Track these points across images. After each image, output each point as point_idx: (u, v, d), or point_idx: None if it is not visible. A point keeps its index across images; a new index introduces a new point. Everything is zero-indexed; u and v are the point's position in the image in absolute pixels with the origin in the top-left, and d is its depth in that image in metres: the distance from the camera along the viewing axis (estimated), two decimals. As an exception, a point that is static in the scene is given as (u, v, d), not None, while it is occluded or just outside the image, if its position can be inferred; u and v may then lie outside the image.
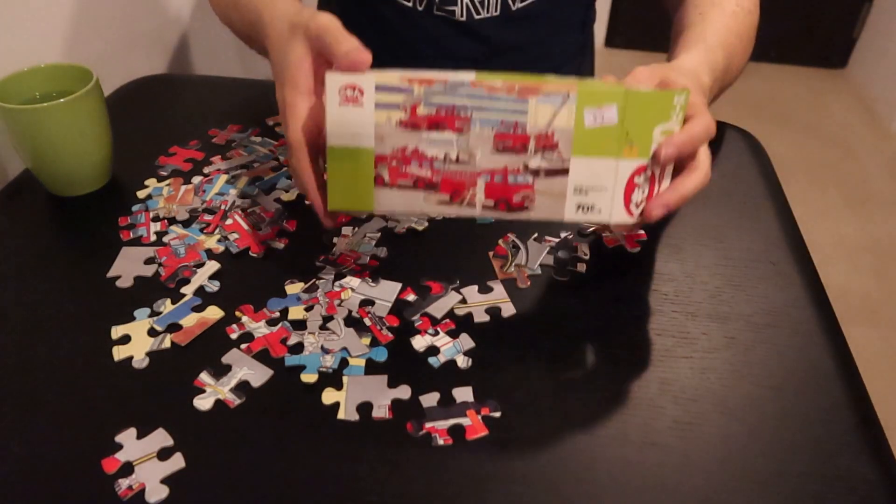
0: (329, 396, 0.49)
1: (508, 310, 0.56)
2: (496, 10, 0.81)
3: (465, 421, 0.48)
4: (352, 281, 0.58)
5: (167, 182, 0.69)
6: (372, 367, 0.51)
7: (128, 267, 0.59)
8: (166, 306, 0.56)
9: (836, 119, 2.49)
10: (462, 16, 0.81)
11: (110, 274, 0.59)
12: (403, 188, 0.49)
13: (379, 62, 0.90)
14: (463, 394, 0.49)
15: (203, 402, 0.48)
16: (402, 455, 0.46)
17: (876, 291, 1.78)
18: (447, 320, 0.55)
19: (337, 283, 0.58)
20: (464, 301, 0.57)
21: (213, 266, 0.59)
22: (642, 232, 0.63)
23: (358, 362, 0.51)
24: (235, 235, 0.63)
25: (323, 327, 0.54)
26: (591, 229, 0.64)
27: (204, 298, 0.56)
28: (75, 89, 0.63)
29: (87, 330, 0.54)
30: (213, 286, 0.58)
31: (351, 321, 0.55)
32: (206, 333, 0.54)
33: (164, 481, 0.44)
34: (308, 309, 0.55)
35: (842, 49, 2.73)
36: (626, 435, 0.47)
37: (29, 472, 0.44)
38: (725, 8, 0.69)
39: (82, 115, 0.64)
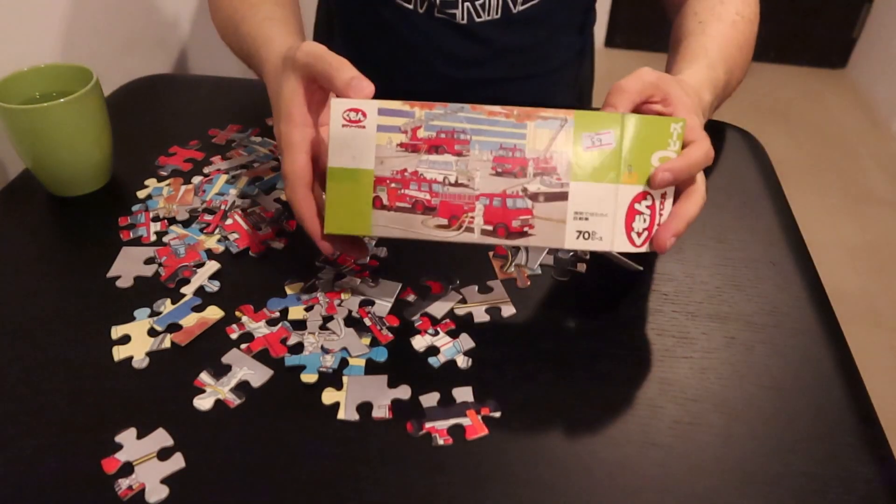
0: (329, 396, 0.49)
1: (508, 310, 0.56)
2: (497, 13, 0.81)
3: (465, 421, 0.48)
4: (352, 281, 0.58)
5: (167, 182, 0.69)
6: (372, 367, 0.51)
7: (128, 267, 0.59)
8: (166, 306, 0.56)
9: (836, 119, 2.49)
10: (463, 19, 0.81)
11: (110, 274, 0.59)
12: (401, 210, 0.49)
13: (379, 65, 0.90)
14: (463, 394, 0.49)
15: (203, 402, 0.48)
16: (402, 455, 0.46)
17: (876, 291, 1.78)
18: (447, 320, 0.55)
19: (337, 283, 0.58)
20: (464, 301, 0.57)
21: (213, 266, 0.59)
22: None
23: (358, 362, 0.51)
24: (235, 235, 0.63)
25: (323, 327, 0.54)
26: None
27: (204, 298, 0.56)
28: (75, 89, 0.63)
29: (87, 330, 0.54)
30: (213, 286, 0.58)
31: (351, 321, 0.55)
32: (206, 333, 0.54)
33: (164, 481, 0.44)
34: (308, 309, 0.55)
35: (842, 49, 2.73)
36: (626, 435, 0.47)
37: (29, 471, 0.44)
38: (725, 17, 0.68)
39: (82, 115, 0.64)
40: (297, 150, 0.51)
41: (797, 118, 2.48)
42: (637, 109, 0.51)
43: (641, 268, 0.51)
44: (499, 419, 0.48)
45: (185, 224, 0.64)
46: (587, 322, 0.56)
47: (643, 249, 0.49)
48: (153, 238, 0.63)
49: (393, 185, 0.49)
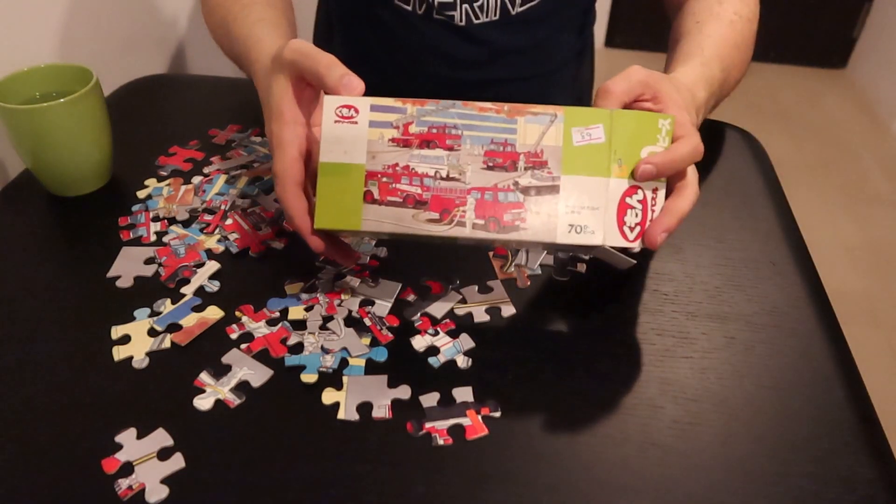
0: (329, 396, 0.49)
1: (508, 310, 0.56)
2: (495, 15, 0.81)
3: (465, 421, 0.48)
4: (352, 281, 0.58)
5: (167, 182, 0.69)
6: (372, 367, 0.51)
7: (128, 267, 0.59)
8: (166, 306, 0.56)
9: (836, 119, 2.49)
10: (461, 20, 0.81)
11: (110, 274, 0.59)
12: (392, 205, 0.49)
13: (378, 66, 0.90)
14: (463, 394, 0.49)
15: (203, 402, 0.48)
16: (402, 455, 0.46)
17: (876, 291, 1.78)
18: (447, 320, 0.55)
19: (337, 283, 0.58)
20: (464, 301, 0.57)
21: (213, 266, 0.59)
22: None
23: (358, 362, 0.51)
24: (235, 235, 0.63)
25: (323, 327, 0.54)
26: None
27: (204, 298, 0.56)
28: (75, 89, 0.63)
29: (87, 330, 0.54)
30: (213, 286, 0.58)
31: (351, 321, 0.55)
32: (206, 333, 0.54)
33: (164, 481, 0.44)
34: (308, 309, 0.55)
35: (842, 49, 2.73)
36: (626, 435, 0.47)
37: (29, 471, 0.44)
38: (723, 17, 0.68)
39: (82, 115, 0.64)
40: (287, 148, 0.51)
41: (797, 118, 2.48)
42: (628, 107, 0.52)
43: (634, 261, 0.51)
44: (499, 419, 0.48)
45: (185, 224, 0.64)
46: (587, 322, 0.56)
47: (636, 245, 0.49)
48: (153, 238, 0.63)
49: (384, 179, 0.49)
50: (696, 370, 0.52)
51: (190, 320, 0.54)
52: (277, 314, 0.55)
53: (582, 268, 0.60)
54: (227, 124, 0.78)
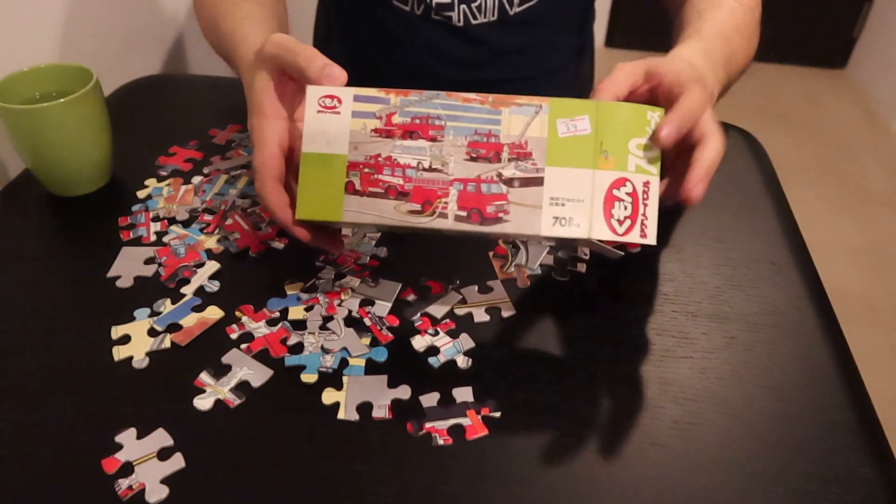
0: (329, 396, 0.49)
1: (508, 310, 0.56)
2: (493, 16, 0.80)
3: (465, 421, 0.48)
4: (352, 281, 0.58)
5: (167, 182, 0.69)
6: (372, 367, 0.51)
7: (128, 267, 0.59)
8: (166, 306, 0.56)
9: (836, 119, 2.49)
10: (459, 21, 0.81)
11: (110, 274, 0.59)
12: (374, 196, 0.48)
13: (377, 67, 0.90)
14: (463, 394, 0.49)
15: (203, 402, 0.48)
16: (402, 455, 0.46)
17: (876, 291, 1.78)
18: (447, 320, 0.55)
19: (337, 283, 0.58)
20: (464, 301, 0.57)
21: (213, 266, 0.59)
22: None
23: (358, 362, 0.51)
24: (235, 235, 0.63)
25: (323, 327, 0.54)
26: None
27: (204, 298, 0.56)
28: (75, 89, 0.63)
29: (87, 330, 0.54)
30: (213, 286, 0.58)
31: (351, 321, 0.55)
32: (206, 333, 0.54)
33: (164, 481, 0.44)
34: (308, 309, 0.55)
35: (842, 49, 2.73)
36: (626, 435, 0.47)
37: (29, 471, 0.44)
38: (724, 5, 0.68)
39: (82, 115, 0.64)
40: (267, 143, 0.51)
41: (797, 118, 2.48)
42: (630, 98, 0.51)
43: (622, 253, 0.50)
44: (499, 419, 0.48)
45: (185, 224, 0.64)
46: (587, 322, 0.56)
47: (627, 238, 0.48)
48: (153, 238, 0.63)
49: (366, 170, 0.49)
50: (696, 370, 0.52)
51: (190, 320, 0.54)
52: (277, 314, 0.55)
53: (582, 268, 0.60)
54: (227, 124, 0.78)
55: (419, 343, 0.53)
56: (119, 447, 0.45)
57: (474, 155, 0.48)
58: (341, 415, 0.48)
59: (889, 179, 2.20)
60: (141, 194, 0.68)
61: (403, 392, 0.49)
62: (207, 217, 0.65)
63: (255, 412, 0.48)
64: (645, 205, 0.48)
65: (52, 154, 0.65)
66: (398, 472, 0.45)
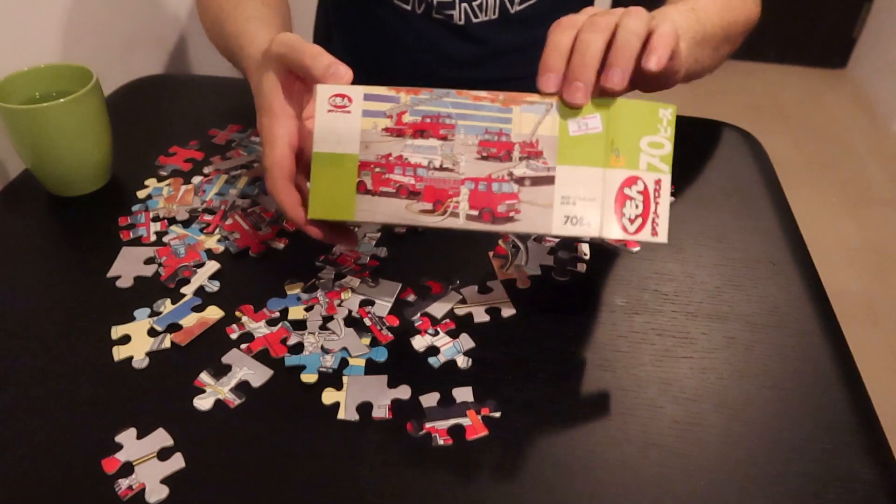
0: (329, 396, 0.49)
1: (508, 310, 0.56)
2: (494, 14, 0.81)
3: (465, 421, 0.48)
4: (352, 281, 0.58)
5: (167, 182, 0.69)
6: (372, 367, 0.51)
7: (128, 267, 0.59)
8: (166, 306, 0.56)
9: (836, 119, 2.49)
10: (460, 20, 0.81)
11: (110, 274, 0.59)
12: (385, 195, 0.48)
13: (377, 65, 0.90)
14: (463, 394, 0.49)
15: (203, 402, 0.48)
16: (402, 455, 0.46)
17: (876, 291, 1.78)
18: (447, 320, 0.55)
19: (337, 283, 0.58)
20: (464, 301, 0.57)
21: (213, 266, 0.59)
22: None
23: (358, 362, 0.51)
24: (235, 235, 0.63)
25: (323, 327, 0.54)
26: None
27: (204, 298, 0.56)
28: (75, 89, 0.63)
29: (87, 330, 0.54)
30: (213, 286, 0.58)
31: (351, 321, 0.55)
32: (206, 333, 0.54)
33: (164, 481, 0.44)
34: (308, 309, 0.55)
35: (842, 49, 2.73)
36: (626, 435, 0.47)
37: (29, 471, 0.44)
38: None
39: (82, 115, 0.64)
40: (277, 142, 0.51)
41: (797, 118, 2.48)
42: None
43: (639, 247, 0.50)
44: (499, 419, 0.48)
45: (185, 224, 0.64)
46: (587, 322, 0.56)
47: (639, 237, 0.48)
48: (153, 238, 0.63)
49: (377, 169, 0.48)
50: (696, 370, 0.52)
51: (190, 320, 0.54)
52: (277, 314, 0.55)
53: (582, 268, 0.60)
54: (227, 124, 0.78)
55: (419, 343, 0.53)
56: (119, 447, 0.46)
57: (485, 154, 0.48)
58: (341, 415, 0.48)
59: (889, 179, 2.20)
60: (141, 194, 0.68)
61: (403, 392, 0.49)
62: (207, 217, 0.65)
63: (255, 412, 0.48)
64: (657, 203, 0.48)
65: (52, 154, 0.65)
66: (398, 472, 0.45)
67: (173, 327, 0.54)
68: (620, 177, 0.48)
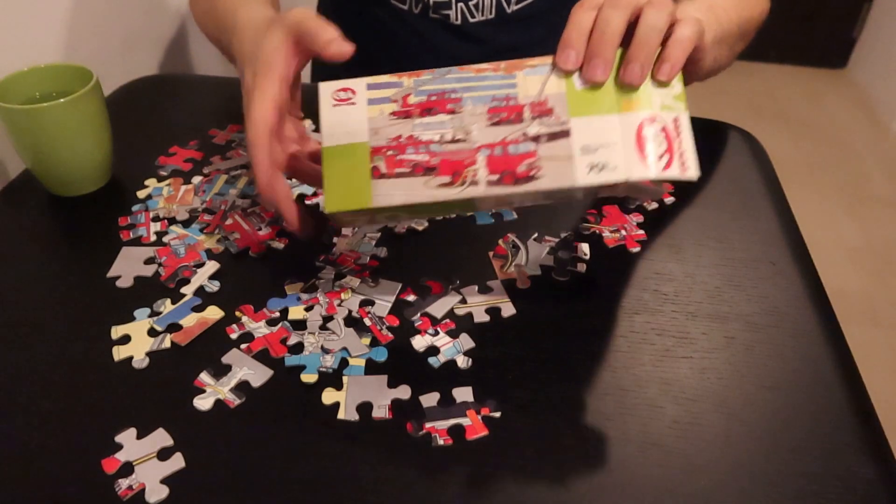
0: (329, 396, 0.49)
1: (508, 310, 0.56)
2: (491, 14, 0.81)
3: (465, 421, 0.48)
4: (352, 281, 0.58)
5: (167, 182, 0.69)
6: (372, 367, 0.51)
7: (128, 267, 0.59)
8: (166, 306, 0.56)
9: (836, 119, 2.49)
10: (457, 19, 0.81)
11: (110, 274, 0.59)
12: (402, 176, 0.48)
13: (375, 65, 0.90)
14: (463, 394, 0.49)
15: (203, 402, 0.48)
16: (402, 455, 0.46)
17: (876, 291, 1.78)
18: (447, 320, 0.55)
19: (337, 283, 0.58)
20: (464, 301, 0.57)
21: (213, 266, 0.59)
22: (642, 232, 0.63)
23: (358, 362, 0.51)
24: (235, 235, 0.63)
25: (323, 327, 0.54)
26: (593, 229, 0.64)
27: (204, 298, 0.56)
28: (75, 89, 0.63)
29: (87, 330, 0.54)
30: (213, 286, 0.58)
31: (351, 321, 0.55)
32: (206, 333, 0.54)
33: (164, 481, 0.44)
34: (308, 309, 0.55)
35: (842, 49, 2.73)
36: (626, 435, 0.47)
37: (29, 471, 0.44)
38: None
39: (82, 115, 0.64)
40: (268, 95, 0.50)
41: (797, 118, 2.49)
42: None
43: (665, 190, 0.48)
44: (499, 419, 0.48)
45: (185, 224, 0.64)
46: (587, 322, 0.56)
47: (668, 174, 0.46)
48: (153, 238, 0.63)
49: (390, 152, 0.48)
50: (696, 370, 0.52)
51: (190, 320, 0.54)
52: (277, 314, 0.55)
53: (582, 268, 0.60)
54: (227, 124, 0.78)
55: (419, 343, 0.53)
56: (119, 447, 0.45)
57: (496, 119, 0.48)
58: (341, 415, 0.48)
59: (889, 179, 2.20)
60: (141, 194, 0.68)
61: (403, 392, 0.49)
62: (207, 217, 0.65)
63: (255, 412, 0.48)
64: (680, 139, 0.47)
65: (52, 154, 0.65)
66: (398, 472, 0.45)
67: (173, 327, 0.54)
68: (637, 119, 0.47)
